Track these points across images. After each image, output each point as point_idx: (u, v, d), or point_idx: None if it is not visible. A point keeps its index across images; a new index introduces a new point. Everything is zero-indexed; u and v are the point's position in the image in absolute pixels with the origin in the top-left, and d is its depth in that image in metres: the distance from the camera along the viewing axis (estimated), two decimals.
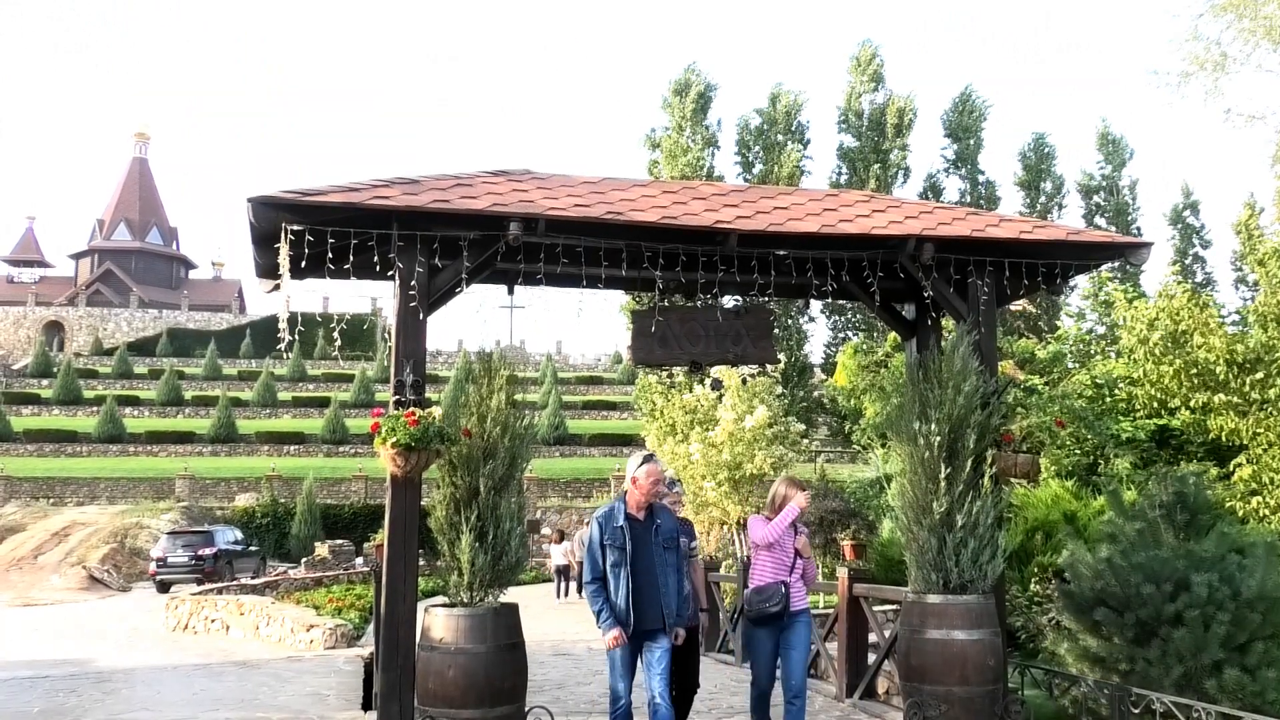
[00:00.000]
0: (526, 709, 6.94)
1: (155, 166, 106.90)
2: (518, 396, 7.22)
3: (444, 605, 6.85)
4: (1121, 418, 15.09)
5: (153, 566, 29.85)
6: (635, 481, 6.22)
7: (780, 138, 37.57)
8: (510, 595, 7.09)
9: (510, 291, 7.77)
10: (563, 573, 25.66)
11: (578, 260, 6.96)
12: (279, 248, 6.45)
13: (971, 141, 41.12)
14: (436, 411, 6.60)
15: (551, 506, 40.33)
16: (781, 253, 7.19)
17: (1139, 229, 42.39)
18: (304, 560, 32.57)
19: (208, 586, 23.56)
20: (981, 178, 41.08)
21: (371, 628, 11.95)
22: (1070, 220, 41.44)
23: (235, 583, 24.90)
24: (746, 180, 36.06)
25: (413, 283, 6.70)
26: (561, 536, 27.87)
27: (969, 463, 6.99)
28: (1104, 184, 43.45)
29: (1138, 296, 15.35)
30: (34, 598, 28.13)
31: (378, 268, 6.87)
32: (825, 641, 10.02)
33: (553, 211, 6.69)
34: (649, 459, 6.28)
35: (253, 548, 33.74)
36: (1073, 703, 7.39)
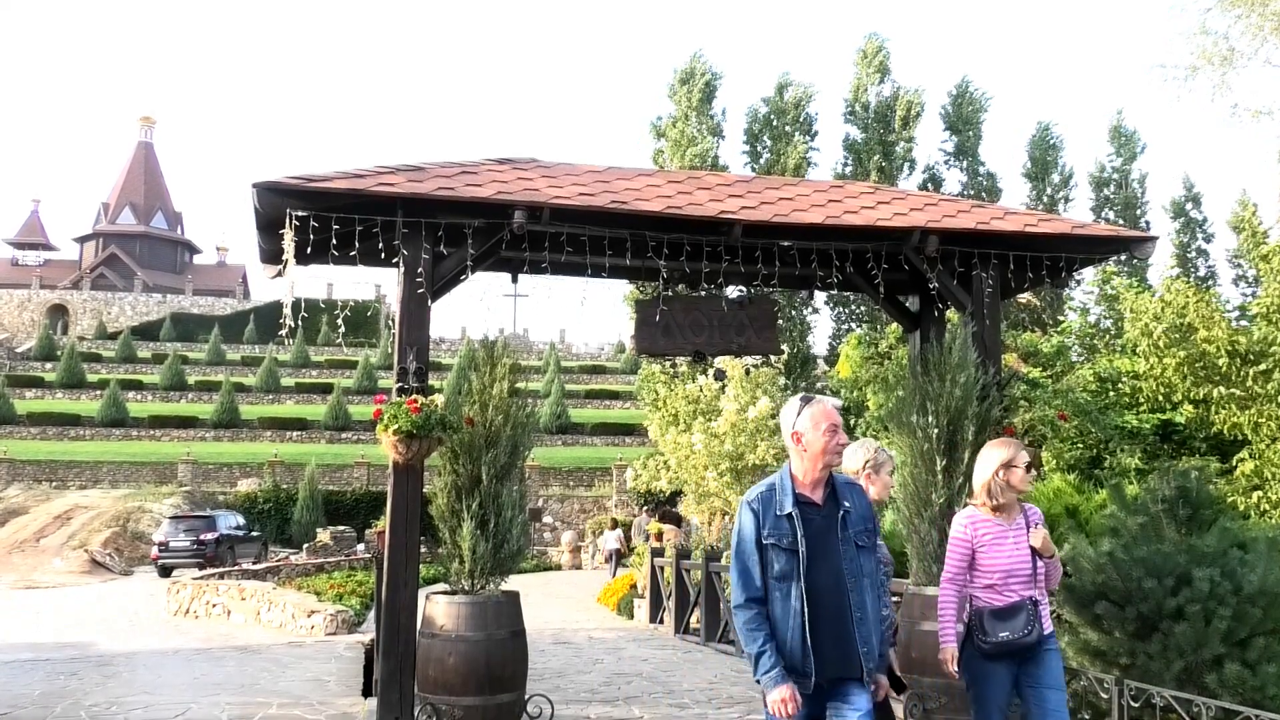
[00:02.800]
0: (526, 697, 6.96)
1: (161, 151, 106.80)
2: (520, 385, 7.23)
3: (445, 593, 6.87)
4: (1125, 411, 15.09)
5: (155, 551, 29.95)
6: (800, 437, 4.07)
7: (788, 128, 37.50)
8: (511, 583, 7.11)
9: (514, 280, 7.75)
10: (613, 557, 28.86)
11: (582, 249, 6.95)
12: (284, 233, 6.44)
13: (971, 134, 40.95)
14: (439, 399, 6.60)
15: (553, 495, 40.41)
16: (786, 243, 7.17)
17: (1147, 223, 42.26)
18: (305, 546, 32.72)
19: (209, 571, 23.62)
20: (982, 169, 40.94)
21: (372, 614, 12.00)
22: (1079, 213, 41.27)
23: (237, 568, 24.97)
24: (753, 170, 36.00)
25: (417, 270, 6.69)
26: (615, 524, 31.29)
27: (968, 454, 6.98)
28: (1114, 177, 43.34)
29: (1143, 290, 15.33)
30: (36, 580, 28.24)
31: (382, 254, 6.86)
32: None
33: (557, 200, 6.69)
34: (810, 400, 4.19)
35: (254, 533, 33.86)
36: (1073, 696, 7.39)
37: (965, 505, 5.28)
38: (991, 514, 4.94)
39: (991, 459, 4.98)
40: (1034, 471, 4.97)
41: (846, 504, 4.05)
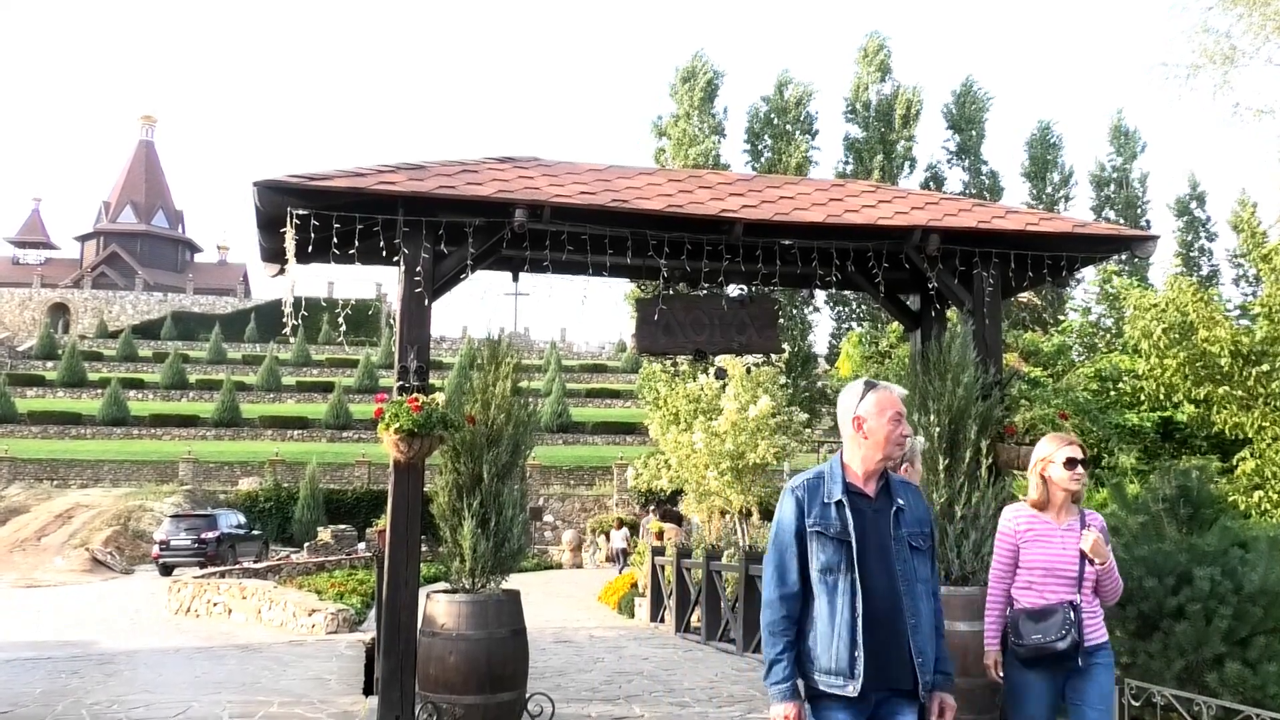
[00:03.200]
0: (527, 695, 6.97)
1: (162, 149, 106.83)
2: (522, 384, 7.23)
3: (446, 591, 6.87)
4: (1126, 410, 15.09)
5: (155, 549, 29.99)
6: (861, 424, 3.67)
7: (789, 127, 37.49)
8: (512, 582, 7.11)
9: (515, 278, 7.75)
10: (619, 556, 29.28)
11: (583, 248, 6.96)
12: (284, 232, 6.44)
13: (974, 133, 40.94)
14: (440, 397, 6.60)
15: (554, 494, 40.43)
16: (787, 242, 7.17)
17: (1148, 222, 42.28)
18: (306, 545, 32.71)
19: (210, 570, 23.61)
20: (984, 168, 40.92)
21: (373, 613, 12.00)
22: (1080, 212, 41.29)
23: (238, 566, 24.96)
24: (755, 169, 35.98)
25: (418, 268, 6.69)
26: (621, 524, 32.05)
27: (969, 453, 6.99)
28: (1115, 176, 43.34)
29: (1144, 289, 15.34)
30: (37, 579, 28.25)
31: (383, 253, 6.86)
32: None
33: (558, 199, 6.68)
34: (874, 385, 3.77)
35: (255, 532, 33.87)
36: None
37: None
38: (1038, 510, 4.67)
39: (1034, 454, 4.75)
40: (1078, 469, 4.59)
41: (900, 501, 3.66)
